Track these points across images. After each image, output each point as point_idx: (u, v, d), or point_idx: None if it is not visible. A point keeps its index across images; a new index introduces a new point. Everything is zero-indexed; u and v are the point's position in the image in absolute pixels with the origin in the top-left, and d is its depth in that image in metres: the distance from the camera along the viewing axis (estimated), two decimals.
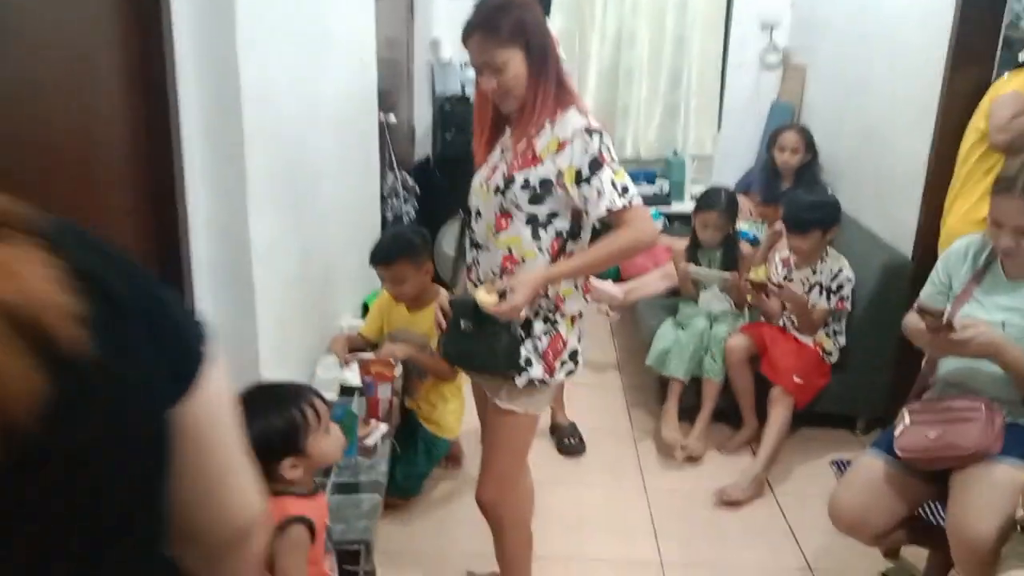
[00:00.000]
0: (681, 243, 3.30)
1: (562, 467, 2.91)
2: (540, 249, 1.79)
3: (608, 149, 1.74)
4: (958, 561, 1.86)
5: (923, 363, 2.15)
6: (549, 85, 1.77)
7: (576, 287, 1.87)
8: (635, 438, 3.11)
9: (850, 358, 3.02)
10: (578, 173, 1.72)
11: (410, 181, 3.71)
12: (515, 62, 1.73)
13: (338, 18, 2.70)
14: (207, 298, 1.99)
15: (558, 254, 1.79)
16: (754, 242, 3.48)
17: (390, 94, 3.54)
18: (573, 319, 1.88)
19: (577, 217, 1.79)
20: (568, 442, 2.98)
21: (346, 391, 2.35)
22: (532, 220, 1.78)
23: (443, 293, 2.32)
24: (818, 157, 3.72)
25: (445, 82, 4.19)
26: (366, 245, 2.58)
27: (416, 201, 3.81)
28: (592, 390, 3.44)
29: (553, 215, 1.78)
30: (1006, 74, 2.61)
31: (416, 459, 2.53)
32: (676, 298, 3.31)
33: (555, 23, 4.21)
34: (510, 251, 1.80)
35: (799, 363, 2.90)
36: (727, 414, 3.08)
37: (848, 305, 2.96)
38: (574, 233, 1.81)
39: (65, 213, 0.60)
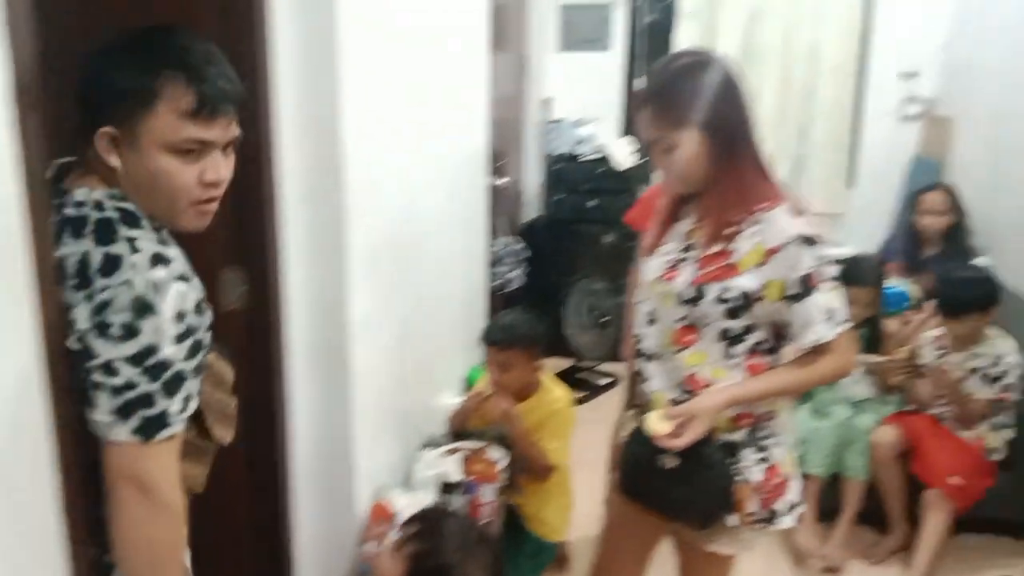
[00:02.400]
0: (856, 339, 2.96)
1: None
2: (734, 367, 1.52)
3: (825, 262, 1.46)
4: None
5: None
6: (741, 175, 1.49)
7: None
8: (765, 545, 2.76)
9: (1019, 455, 2.61)
10: (785, 290, 1.45)
11: (519, 246, 3.56)
12: (689, 144, 1.47)
13: (449, 75, 2.60)
14: (300, 383, 1.86)
15: (755, 371, 1.52)
16: (900, 300, 3.09)
17: (500, 154, 3.42)
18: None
19: (778, 329, 1.52)
20: None
21: (447, 488, 2.15)
22: (725, 335, 1.51)
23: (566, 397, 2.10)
24: (966, 219, 3.33)
25: (556, 142, 4.06)
26: (472, 315, 2.43)
27: (527, 265, 3.66)
28: None
29: (750, 328, 1.51)
30: None
31: (521, 563, 2.30)
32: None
33: None
34: (695, 370, 1.53)
35: (958, 461, 2.53)
36: (872, 517, 2.70)
37: (1015, 394, 2.57)
38: (774, 348, 1.54)
39: None
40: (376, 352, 2.07)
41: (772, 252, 1.45)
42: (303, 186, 1.79)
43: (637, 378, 1.67)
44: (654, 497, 1.59)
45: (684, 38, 4.03)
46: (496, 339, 2.35)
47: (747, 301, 1.48)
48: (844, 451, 2.67)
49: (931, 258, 3.24)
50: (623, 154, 3.96)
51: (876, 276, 2.82)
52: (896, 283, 3.23)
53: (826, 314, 1.45)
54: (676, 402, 1.54)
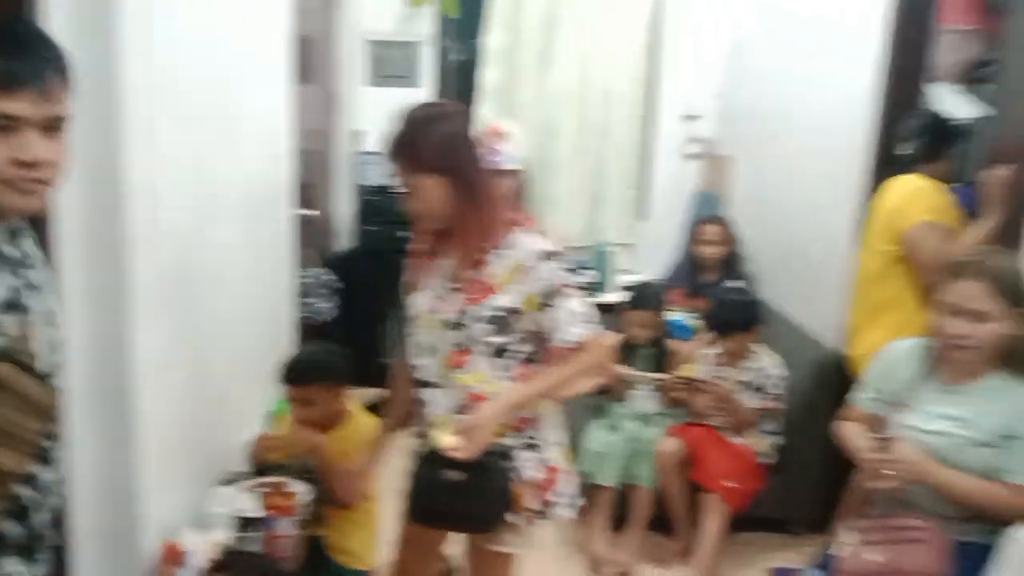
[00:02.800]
0: (611, 339, 3.19)
1: None
2: (506, 379, 1.70)
3: (568, 273, 1.69)
4: None
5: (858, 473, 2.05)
6: (483, 210, 1.68)
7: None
8: (562, 554, 2.91)
9: (785, 458, 2.93)
10: (539, 300, 1.68)
11: (330, 277, 3.55)
12: (433, 188, 1.65)
13: (249, 107, 2.58)
14: (79, 430, 1.76)
15: (524, 380, 1.71)
16: (684, 332, 3.40)
17: (309, 185, 3.42)
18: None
19: (539, 340, 1.72)
20: None
21: (244, 523, 2.11)
22: (494, 351, 1.69)
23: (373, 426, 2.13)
24: (740, 248, 3.71)
25: (369, 173, 4.09)
26: (277, 347, 2.40)
27: (339, 296, 3.65)
28: None
29: (517, 342, 1.71)
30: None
31: None
32: (605, 397, 3.18)
33: (482, 111, 4.19)
34: (473, 388, 1.69)
35: (732, 466, 2.79)
36: (661, 523, 2.92)
37: (779, 403, 2.89)
38: (539, 357, 1.73)
39: None
40: (167, 390, 2.00)
41: (523, 269, 1.65)
42: (79, 223, 1.72)
43: (416, 406, 1.77)
44: (443, 514, 1.69)
45: (489, 78, 4.21)
46: (293, 377, 2.33)
47: (509, 316, 1.66)
48: (634, 462, 2.88)
49: (709, 284, 3.57)
50: None
51: (658, 300, 3.09)
52: (679, 313, 3.54)
53: (576, 317, 1.67)
54: None
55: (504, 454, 1.68)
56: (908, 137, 2.62)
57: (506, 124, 2.46)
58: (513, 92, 4.28)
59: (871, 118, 2.85)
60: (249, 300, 2.69)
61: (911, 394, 1.92)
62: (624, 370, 3.02)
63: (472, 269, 1.68)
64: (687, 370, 2.99)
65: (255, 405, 2.80)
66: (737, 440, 2.88)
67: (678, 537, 2.88)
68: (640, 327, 3.04)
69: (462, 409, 1.68)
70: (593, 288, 4.28)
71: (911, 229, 2.43)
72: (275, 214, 2.97)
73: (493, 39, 4.18)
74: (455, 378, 1.69)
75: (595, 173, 4.50)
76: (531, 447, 1.74)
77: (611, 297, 4.05)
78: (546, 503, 1.74)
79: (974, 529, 1.79)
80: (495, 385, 1.68)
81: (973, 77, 3.39)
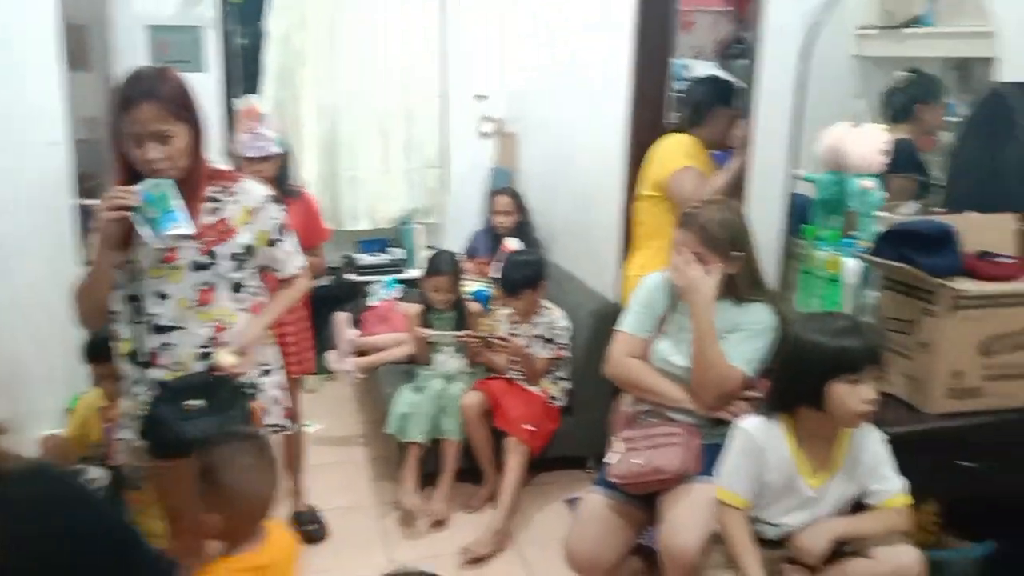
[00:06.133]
0: (415, 308, 3.36)
1: (304, 556, 2.77)
2: (244, 310, 1.95)
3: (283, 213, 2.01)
4: None
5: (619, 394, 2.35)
6: (205, 162, 1.89)
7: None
8: (380, 512, 3.06)
9: (576, 400, 3.22)
10: (268, 237, 1.97)
11: None
12: (183, 135, 1.79)
13: (17, 94, 2.48)
14: None
15: (256, 311, 1.98)
16: (485, 298, 3.62)
17: (90, 175, 3.29)
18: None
19: (262, 274, 2.02)
20: (308, 529, 2.86)
21: None
22: (234, 286, 1.92)
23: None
24: (530, 217, 4.00)
25: None
26: (68, 340, 2.34)
27: None
28: (335, 467, 3.35)
29: (250, 276, 1.97)
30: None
31: None
32: (415, 364, 3.34)
33: (267, 93, 4.19)
34: (218, 320, 1.90)
35: (529, 411, 3.04)
36: (471, 473, 3.13)
37: (567, 352, 3.17)
38: (263, 290, 2.02)
39: None
40: None
41: (254, 211, 1.91)
42: None
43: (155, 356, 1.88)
44: (189, 443, 1.70)
45: (273, 61, 4.22)
46: (95, 355, 2.33)
47: (248, 252, 1.92)
48: (441, 418, 3.06)
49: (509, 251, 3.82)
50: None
51: (453, 265, 3.28)
52: (479, 282, 3.76)
53: (294, 251, 2.04)
54: (205, 355, 1.86)
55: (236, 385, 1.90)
56: (676, 106, 2.99)
57: (261, 105, 2.62)
58: (299, 74, 4.30)
59: (628, 93, 3.18)
60: (35, 293, 2.60)
61: (664, 320, 2.23)
62: (426, 332, 3.19)
63: (201, 214, 1.85)
64: (484, 328, 3.21)
65: (50, 400, 2.72)
66: (532, 388, 3.14)
67: (486, 483, 3.10)
68: (438, 292, 3.22)
69: (211, 342, 1.88)
70: (400, 264, 4.44)
71: (671, 175, 2.80)
72: (54, 203, 2.86)
73: (275, 22, 4.19)
74: (200, 315, 1.87)
75: (396, 153, 4.61)
76: (266, 372, 2.04)
77: (417, 272, 4.21)
78: (286, 418, 2.09)
79: (720, 433, 2.07)
80: (234, 317, 1.92)
81: (728, 53, 3.84)
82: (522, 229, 3.93)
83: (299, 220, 2.51)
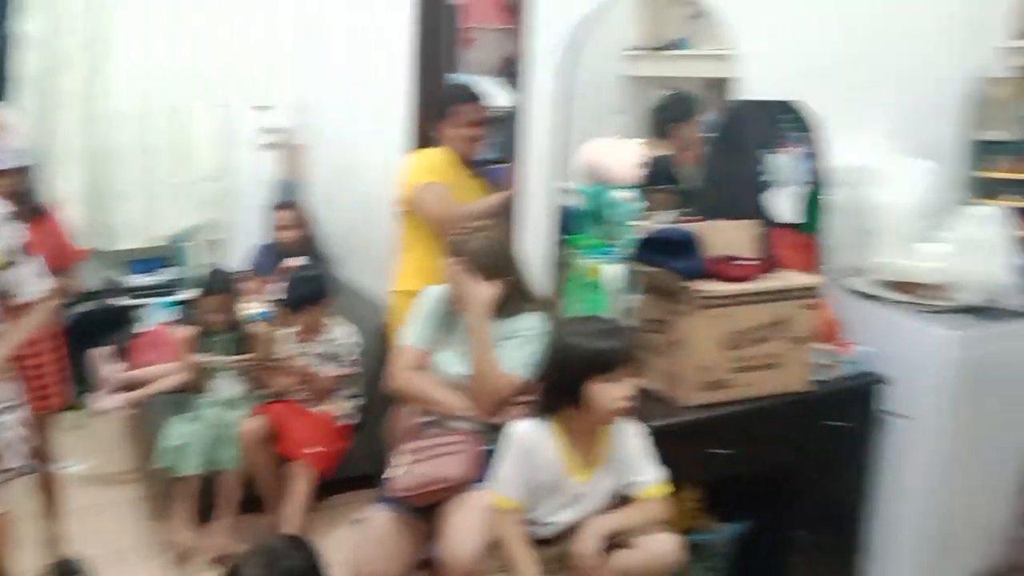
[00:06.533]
0: (188, 332, 3.15)
1: None
2: None
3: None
4: None
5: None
6: None
7: None
8: (152, 554, 2.84)
9: (368, 417, 3.15)
10: (5, 259, 1.87)
11: None
12: None
13: None
14: None
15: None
16: (266, 318, 3.47)
17: None
18: None
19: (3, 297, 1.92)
20: None
21: None
22: None
23: None
24: (316, 231, 3.90)
25: None
26: None
27: None
28: (103, 510, 3.08)
29: None
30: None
31: None
32: (186, 392, 3.12)
33: (21, 102, 3.81)
34: None
35: (314, 433, 2.93)
36: (255, 502, 2.96)
37: (357, 368, 3.11)
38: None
39: None
40: None
41: None
42: None
43: None
44: None
45: (27, 67, 3.85)
46: None
47: None
48: (217, 447, 2.88)
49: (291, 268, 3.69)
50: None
51: (228, 284, 3.13)
52: (257, 303, 3.59)
53: (35, 276, 1.94)
54: None
55: None
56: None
57: (4, 114, 2.43)
58: (59, 81, 3.95)
59: (407, 108, 3.19)
60: None
61: (444, 333, 2.26)
62: (202, 358, 3.00)
63: None
64: (263, 350, 3.07)
65: None
66: (318, 408, 3.04)
67: (269, 512, 2.95)
68: (214, 313, 3.05)
69: None
70: (174, 285, 4.15)
71: (415, 191, 2.88)
72: None
73: (30, 24, 3.83)
74: None
75: (168, 166, 4.33)
76: (9, 408, 1.94)
77: (195, 293, 3.96)
78: (32, 459, 2.03)
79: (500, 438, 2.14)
80: None
81: (507, 71, 3.95)
82: (307, 244, 3.81)
83: (45, 240, 2.35)
